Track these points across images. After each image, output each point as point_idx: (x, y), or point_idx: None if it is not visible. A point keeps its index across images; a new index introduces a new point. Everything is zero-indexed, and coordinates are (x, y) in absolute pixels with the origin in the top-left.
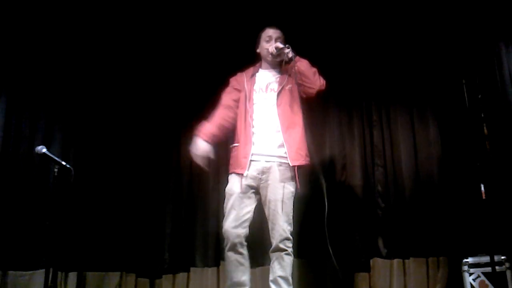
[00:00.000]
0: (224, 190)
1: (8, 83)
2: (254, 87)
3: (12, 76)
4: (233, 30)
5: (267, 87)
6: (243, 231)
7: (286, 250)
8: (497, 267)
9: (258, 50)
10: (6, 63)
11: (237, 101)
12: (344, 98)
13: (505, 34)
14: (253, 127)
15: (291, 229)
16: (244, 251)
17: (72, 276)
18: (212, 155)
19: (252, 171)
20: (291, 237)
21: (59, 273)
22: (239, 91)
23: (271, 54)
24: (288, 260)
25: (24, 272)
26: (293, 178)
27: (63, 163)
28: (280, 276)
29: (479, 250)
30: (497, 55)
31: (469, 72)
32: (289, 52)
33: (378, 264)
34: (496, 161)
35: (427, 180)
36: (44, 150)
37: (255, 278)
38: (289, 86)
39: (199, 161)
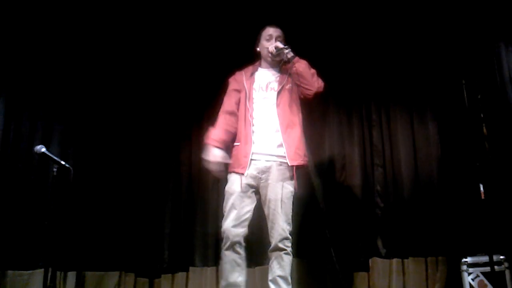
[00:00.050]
0: (223, 189)
1: (7, 83)
2: (254, 86)
3: (11, 76)
4: (232, 30)
5: (267, 86)
6: (243, 230)
7: (285, 250)
8: (496, 267)
9: (258, 49)
10: (5, 63)
11: (238, 103)
12: (343, 98)
13: (505, 34)
14: (253, 125)
15: (290, 229)
16: (242, 251)
17: (71, 276)
18: (228, 160)
19: (252, 170)
20: (290, 237)
21: (58, 272)
22: (238, 91)
23: (271, 53)
24: (287, 259)
25: (23, 272)
26: (292, 178)
27: (62, 162)
28: (279, 276)
29: (478, 249)
30: (497, 55)
31: (469, 72)
32: (288, 53)
33: (377, 263)
34: (495, 161)
35: (426, 180)
36: (43, 149)
37: (254, 278)
38: (289, 85)
39: (215, 168)
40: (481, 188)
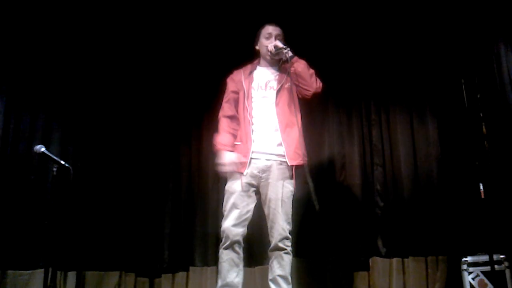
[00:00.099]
0: (223, 189)
1: (6, 82)
2: (253, 85)
3: (10, 76)
4: (232, 30)
5: (266, 85)
6: (242, 230)
7: (286, 249)
8: (496, 266)
9: (257, 47)
10: (4, 62)
11: (237, 105)
12: (343, 98)
13: (504, 34)
14: (252, 124)
15: (290, 228)
16: (241, 251)
17: (71, 276)
18: (242, 159)
19: (252, 169)
20: (290, 236)
21: (58, 272)
22: (236, 93)
23: (270, 52)
24: (287, 259)
25: (23, 272)
26: (292, 177)
27: (62, 162)
28: (279, 275)
29: (478, 249)
30: (496, 55)
31: (468, 72)
32: (287, 52)
33: (377, 263)
34: (495, 160)
35: (426, 179)
36: (43, 149)
37: (254, 278)
38: (288, 84)
39: (231, 169)
40: (481, 187)
